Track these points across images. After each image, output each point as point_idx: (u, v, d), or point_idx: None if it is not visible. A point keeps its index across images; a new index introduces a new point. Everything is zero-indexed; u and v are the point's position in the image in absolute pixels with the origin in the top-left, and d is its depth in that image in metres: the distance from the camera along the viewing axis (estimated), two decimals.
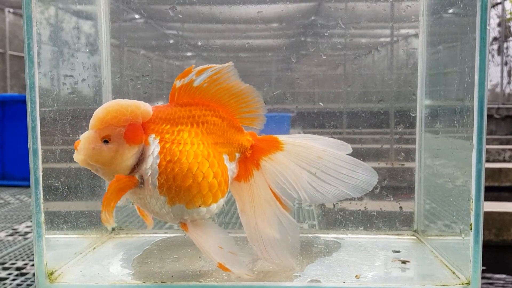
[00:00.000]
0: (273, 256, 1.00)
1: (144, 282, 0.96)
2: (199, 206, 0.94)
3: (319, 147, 1.03)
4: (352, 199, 1.13)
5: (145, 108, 0.93)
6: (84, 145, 0.91)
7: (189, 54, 1.44)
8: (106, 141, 0.91)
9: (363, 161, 1.04)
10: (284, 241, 1.00)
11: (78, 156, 0.91)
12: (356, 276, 0.97)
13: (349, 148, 1.04)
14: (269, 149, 1.03)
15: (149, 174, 0.91)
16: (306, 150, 1.02)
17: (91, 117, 0.92)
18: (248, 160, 1.03)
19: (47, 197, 0.99)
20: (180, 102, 0.97)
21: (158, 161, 0.91)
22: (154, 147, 0.92)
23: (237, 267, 0.95)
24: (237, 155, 1.02)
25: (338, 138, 1.11)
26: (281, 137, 1.04)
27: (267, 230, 1.00)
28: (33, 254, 0.96)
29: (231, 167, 1.00)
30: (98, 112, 0.92)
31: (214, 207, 0.96)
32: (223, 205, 1.00)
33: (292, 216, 1.01)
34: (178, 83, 0.95)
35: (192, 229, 0.96)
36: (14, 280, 2.32)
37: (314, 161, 1.02)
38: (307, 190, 1.01)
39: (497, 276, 3.17)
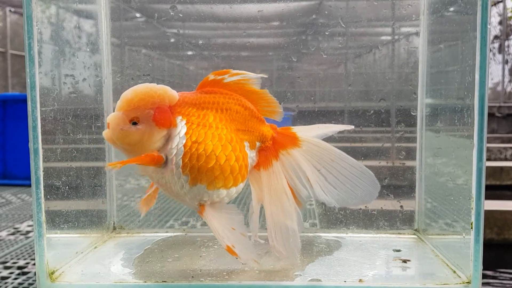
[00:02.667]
0: (282, 246, 1.01)
1: (145, 282, 0.96)
2: (220, 188, 0.96)
3: (334, 149, 1.06)
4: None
5: (172, 92, 0.96)
6: (112, 126, 0.93)
7: (190, 53, 1.44)
8: (134, 123, 0.93)
9: (367, 167, 1.06)
10: (292, 234, 1.01)
11: (107, 133, 0.94)
12: (360, 280, 0.97)
13: (351, 127, 1.12)
14: (288, 143, 1.06)
15: (174, 153, 0.93)
16: (321, 150, 1.05)
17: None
18: (269, 150, 1.06)
19: (48, 196, 0.99)
20: (204, 90, 1.00)
21: (184, 141, 0.93)
22: (181, 128, 0.94)
23: (245, 252, 0.96)
24: (258, 144, 1.05)
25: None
26: (299, 133, 1.07)
27: (281, 219, 1.02)
28: (34, 253, 0.96)
29: (251, 155, 1.03)
30: (127, 94, 0.94)
31: (234, 191, 0.99)
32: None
33: (302, 212, 1.04)
34: (211, 77, 1.00)
35: (208, 210, 0.98)
36: (15, 279, 2.32)
37: (327, 162, 1.05)
38: (316, 188, 1.05)
39: (498, 275, 3.16)
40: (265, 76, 1.03)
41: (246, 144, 1.02)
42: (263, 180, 1.05)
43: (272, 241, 1.02)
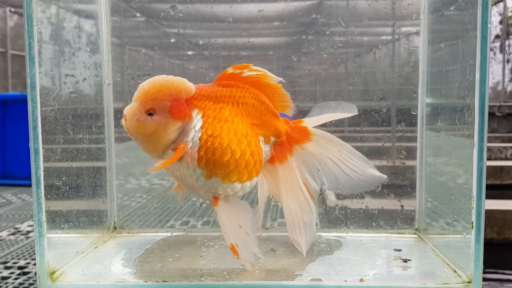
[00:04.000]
0: (300, 239, 1.05)
1: (146, 281, 0.96)
2: (234, 182, 0.97)
3: (340, 141, 1.10)
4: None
5: (189, 85, 0.97)
6: (128, 116, 0.94)
7: (190, 52, 1.44)
8: (150, 114, 0.93)
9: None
10: (309, 226, 1.06)
11: (124, 123, 0.95)
12: (360, 279, 0.97)
13: (354, 108, 1.11)
14: (301, 138, 1.09)
15: (189, 146, 0.94)
16: (329, 142, 1.09)
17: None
18: (283, 145, 1.07)
19: (49, 196, 0.99)
20: (221, 83, 1.01)
21: (200, 134, 0.94)
22: (196, 121, 0.95)
23: (245, 253, 0.97)
24: (272, 138, 1.06)
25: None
26: (310, 127, 1.10)
27: (298, 213, 1.05)
28: (35, 253, 0.96)
29: (265, 149, 1.04)
30: (144, 85, 0.94)
31: (248, 185, 1.00)
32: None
33: (314, 205, 1.08)
34: (230, 70, 1.00)
35: (221, 204, 0.99)
36: (16, 279, 2.32)
37: (336, 153, 1.09)
38: (328, 178, 1.09)
39: (499, 275, 3.16)
40: (284, 81, 1.03)
41: (261, 138, 1.03)
42: (279, 174, 1.06)
43: (292, 234, 1.05)
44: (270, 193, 1.12)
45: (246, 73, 1.01)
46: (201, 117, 0.95)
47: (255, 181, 1.02)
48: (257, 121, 1.02)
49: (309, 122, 1.10)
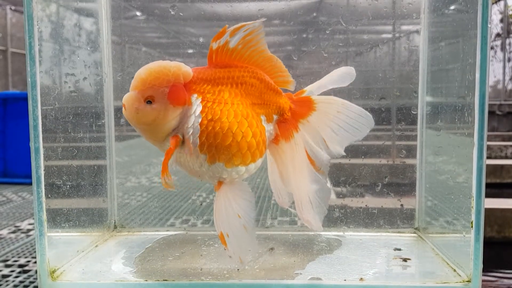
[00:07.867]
0: (306, 215, 1.04)
1: (146, 280, 0.97)
2: (238, 165, 0.96)
3: (340, 100, 1.06)
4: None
5: (186, 69, 0.95)
6: (127, 106, 0.92)
7: (190, 51, 1.44)
8: (149, 102, 0.92)
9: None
10: (316, 202, 1.04)
11: (124, 113, 0.94)
12: (360, 279, 0.97)
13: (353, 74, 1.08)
14: (306, 111, 1.06)
15: (190, 133, 0.93)
16: (332, 106, 1.06)
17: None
18: (288, 122, 1.05)
19: (49, 195, 0.99)
20: (218, 64, 0.98)
21: (200, 120, 0.93)
22: (196, 106, 0.93)
23: (235, 246, 0.94)
24: (275, 116, 1.04)
25: None
26: (313, 96, 1.07)
27: (305, 191, 1.04)
28: (35, 251, 0.97)
29: (268, 128, 1.02)
30: (140, 73, 0.93)
31: (253, 167, 0.98)
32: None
33: (325, 180, 1.06)
34: (214, 45, 0.96)
35: (224, 190, 0.97)
36: (16, 277, 2.33)
37: (336, 116, 1.06)
38: (331, 146, 1.07)
39: (498, 274, 3.16)
40: (263, 19, 0.97)
41: (263, 118, 1.01)
42: (286, 153, 1.05)
43: (300, 213, 1.04)
44: (277, 173, 1.09)
45: (231, 40, 0.95)
46: (201, 102, 0.93)
47: (260, 162, 1.00)
48: (258, 100, 1.00)
49: (311, 89, 1.08)
